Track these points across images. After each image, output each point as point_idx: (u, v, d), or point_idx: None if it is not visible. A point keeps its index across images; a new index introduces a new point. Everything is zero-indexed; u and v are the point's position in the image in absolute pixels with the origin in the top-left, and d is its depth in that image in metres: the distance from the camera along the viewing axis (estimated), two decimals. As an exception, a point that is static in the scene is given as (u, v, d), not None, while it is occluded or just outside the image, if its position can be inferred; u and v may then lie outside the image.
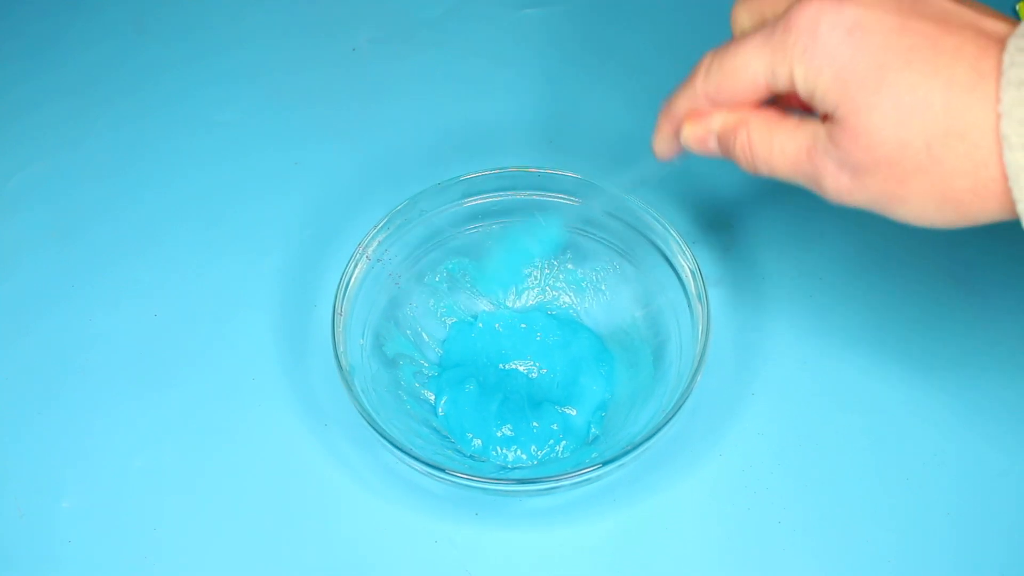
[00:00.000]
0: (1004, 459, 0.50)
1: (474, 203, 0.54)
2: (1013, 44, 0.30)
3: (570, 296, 0.56)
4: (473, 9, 0.72)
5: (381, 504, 0.50)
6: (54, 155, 0.65)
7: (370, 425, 0.45)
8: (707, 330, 0.47)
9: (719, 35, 0.69)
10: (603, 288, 0.55)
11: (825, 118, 0.34)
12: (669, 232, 0.51)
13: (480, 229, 0.55)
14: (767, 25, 0.34)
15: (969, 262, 0.56)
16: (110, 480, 0.51)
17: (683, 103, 0.38)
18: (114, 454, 0.52)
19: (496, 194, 0.54)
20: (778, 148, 0.35)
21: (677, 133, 0.39)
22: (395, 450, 0.45)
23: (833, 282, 0.56)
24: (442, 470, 0.44)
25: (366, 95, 0.68)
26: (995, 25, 0.32)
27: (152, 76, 0.69)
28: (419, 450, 0.46)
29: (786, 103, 0.38)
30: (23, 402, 0.54)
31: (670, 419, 0.45)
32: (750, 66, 0.35)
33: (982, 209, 0.32)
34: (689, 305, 0.49)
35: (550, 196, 0.54)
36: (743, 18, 0.38)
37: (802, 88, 0.33)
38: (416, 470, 0.47)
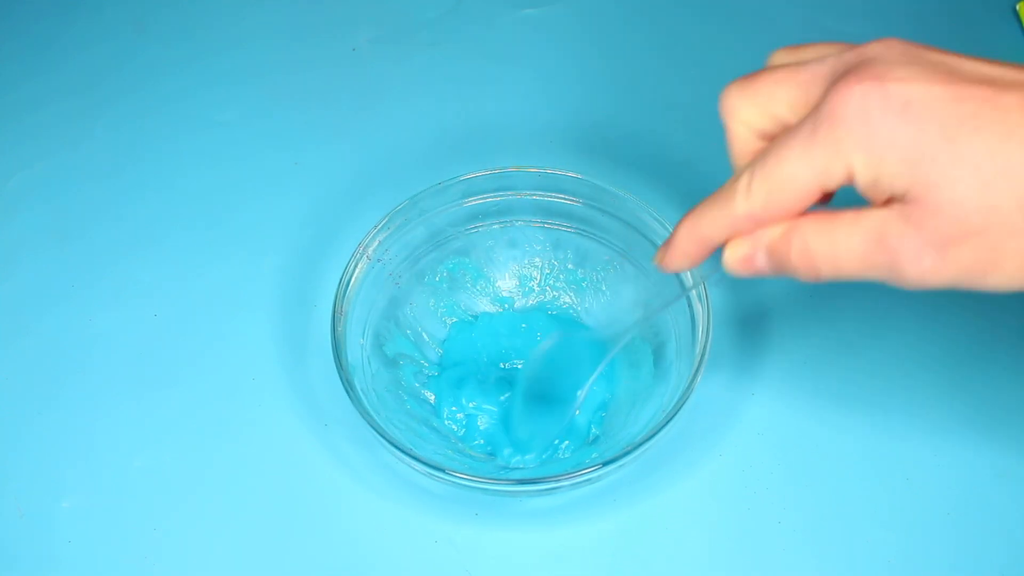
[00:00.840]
0: (1004, 459, 0.50)
1: (474, 203, 0.54)
2: None
3: (570, 296, 0.56)
4: (473, 9, 0.72)
5: (381, 504, 0.50)
6: (54, 155, 0.65)
7: (370, 425, 0.45)
8: (707, 330, 0.47)
9: (719, 34, 0.70)
10: (603, 288, 0.55)
11: (888, 202, 0.31)
12: (669, 232, 0.50)
13: (480, 229, 0.55)
14: (805, 123, 0.32)
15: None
16: (110, 480, 0.51)
17: (719, 226, 0.35)
18: (114, 454, 0.52)
19: (496, 194, 0.54)
20: (843, 247, 0.32)
21: (704, 255, 0.36)
22: (395, 450, 0.45)
23: (833, 282, 0.56)
24: (442, 470, 0.44)
25: (366, 95, 0.68)
26: None
27: (152, 76, 0.69)
28: (419, 450, 0.46)
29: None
30: (23, 402, 0.54)
31: (670, 419, 0.45)
32: (799, 174, 0.32)
33: None
34: (689, 305, 0.49)
35: (550, 196, 0.54)
36: (745, 112, 0.35)
37: (863, 179, 0.31)
38: (416, 470, 0.47)
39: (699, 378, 0.46)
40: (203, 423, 0.53)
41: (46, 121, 0.67)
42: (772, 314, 0.55)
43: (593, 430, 0.51)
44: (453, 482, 0.45)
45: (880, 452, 0.50)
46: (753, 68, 0.36)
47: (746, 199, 0.33)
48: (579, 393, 0.48)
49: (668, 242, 0.37)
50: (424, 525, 0.49)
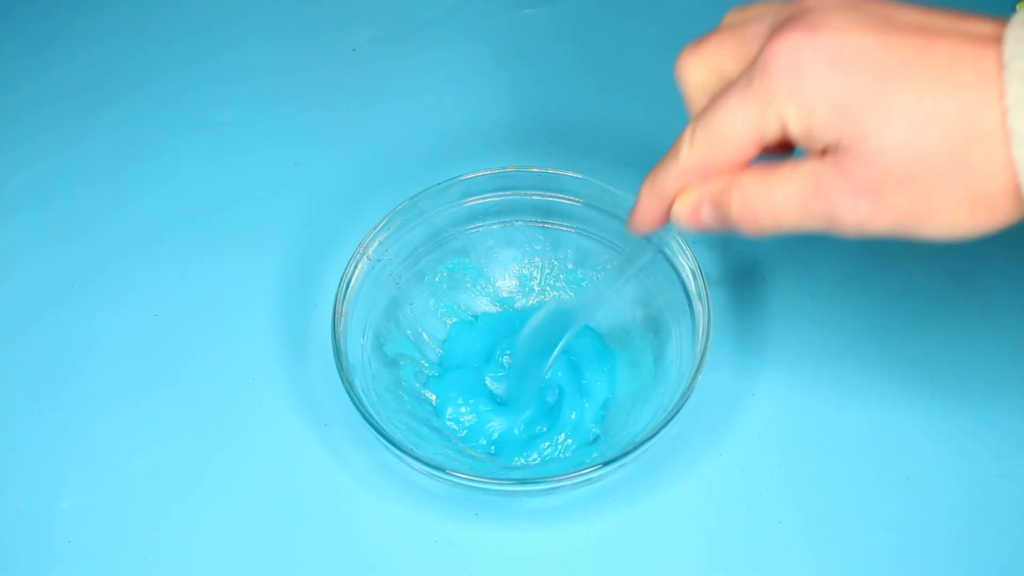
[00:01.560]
0: (1004, 459, 0.50)
1: (475, 203, 0.54)
2: (1012, 37, 0.30)
3: (571, 295, 0.56)
4: (473, 9, 0.72)
5: (381, 504, 0.50)
6: (54, 155, 0.65)
7: (370, 425, 0.45)
8: (708, 330, 0.47)
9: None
10: (589, 284, 0.55)
11: (823, 153, 0.32)
12: (670, 231, 0.50)
13: (480, 229, 0.55)
14: (742, 77, 0.32)
15: (969, 262, 0.56)
16: (110, 480, 0.51)
17: (669, 179, 0.36)
18: (114, 454, 0.52)
19: (497, 194, 0.54)
20: (780, 198, 0.33)
21: (663, 211, 0.37)
22: (395, 450, 0.45)
23: (833, 282, 0.56)
24: (443, 470, 0.44)
25: (366, 95, 0.68)
26: (980, 27, 0.31)
27: (152, 76, 0.69)
28: (420, 450, 0.46)
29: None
30: (23, 402, 0.54)
31: (671, 419, 0.45)
32: (736, 124, 0.33)
33: (1014, 206, 0.30)
34: (690, 305, 0.49)
35: (551, 196, 0.54)
36: (694, 74, 0.36)
37: (796, 129, 0.31)
38: (416, 470, 0.47)
39: (700, 377, 0.46)
40: (203, 423, 0.53)
41: (46, 121, 0.67)
42: (772, 314, 0.55)
43: (594, 429, 0.51)
44: (453, 482, 0.45)
45: (880, 452, 0.50)
46: None
47: (690, 150, 0.34)
48: (552, 352, 0.49)
49: (634, 205, 0.38)
50: (424, 525, 0.49)
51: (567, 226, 0.55)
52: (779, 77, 0.31)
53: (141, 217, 0.61)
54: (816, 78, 0.30)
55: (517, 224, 0.55)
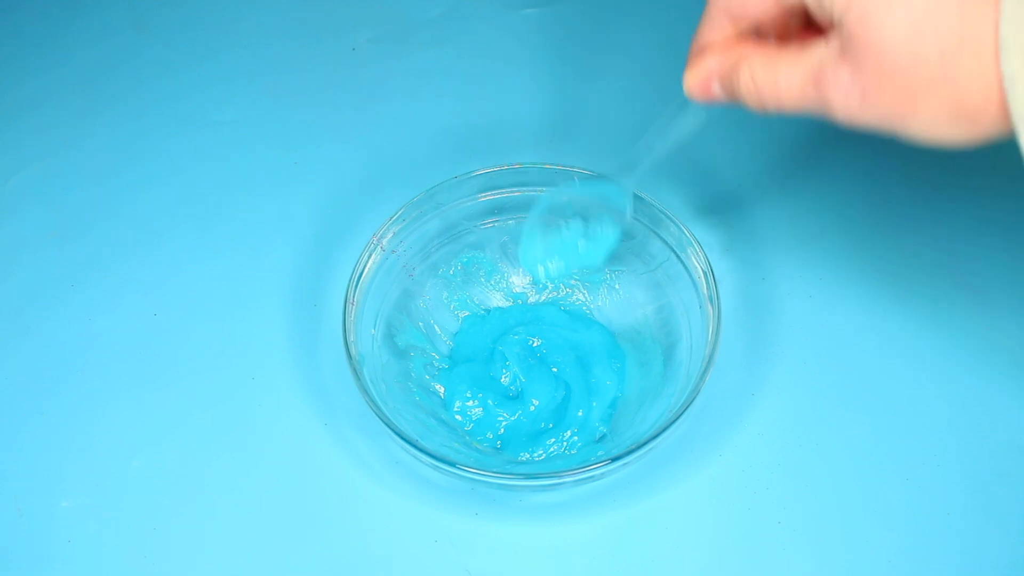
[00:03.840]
0: (1004, 459, 0.50)
1: (490, 198, 0.54)
2: None
3: (584, 293, 0.56)
4: (473, 9, 0.72)
5: (385, 496, 0.50)
6: (54, 155, 0.65)
7: (376, 415, 0.45)
8: (717, 331, 0.47)
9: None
10: (616, 287, 0.55)
11: (828, 31, 0.33)
12: (684, 232, 0.51)
13: (496, 224, 0.55)
14: None
15: (969, 262, 0.56)
16: (110, 480, 0.51)
17: (705, 30, 0.38)
18: (114, 454, 0.52)
19: (512, 189, 0.54)
20: (783, 79, 0.35)
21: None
22: (401, 440, 0.45)
23: (833, 282, 0.56)
24: (447, 462, 0.45)
25: (366, 95, 0.68)
26: None
27: (152, 76, 0.69)
28: (426, 442, 0.46)
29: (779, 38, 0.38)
30: (23, 402, 0.54)
31: (677, 419, 0.45)
32: None
33: (994, 122, 0.31)
34: (700, 306, 0.50)
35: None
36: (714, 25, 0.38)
37: None
38: (422, 462, 0.47)
39: (706, 379, 0.46)
40: (203, 422, 0.53)
41: (46, 121, 0.67)
42: (772, 315, 0.55)
43: (601, 428, 0.51)
44: (458, 475, 0.45)
45: (880, 452, 0.50)
46: None
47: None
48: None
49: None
50: (425, 521, 0.49)
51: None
52: None
53: (141, 217, 0.61)
54: None
55: None
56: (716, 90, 0.38)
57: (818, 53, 0.34)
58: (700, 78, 0.38)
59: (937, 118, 0.32)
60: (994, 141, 0.32)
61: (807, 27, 0.37)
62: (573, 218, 0.51)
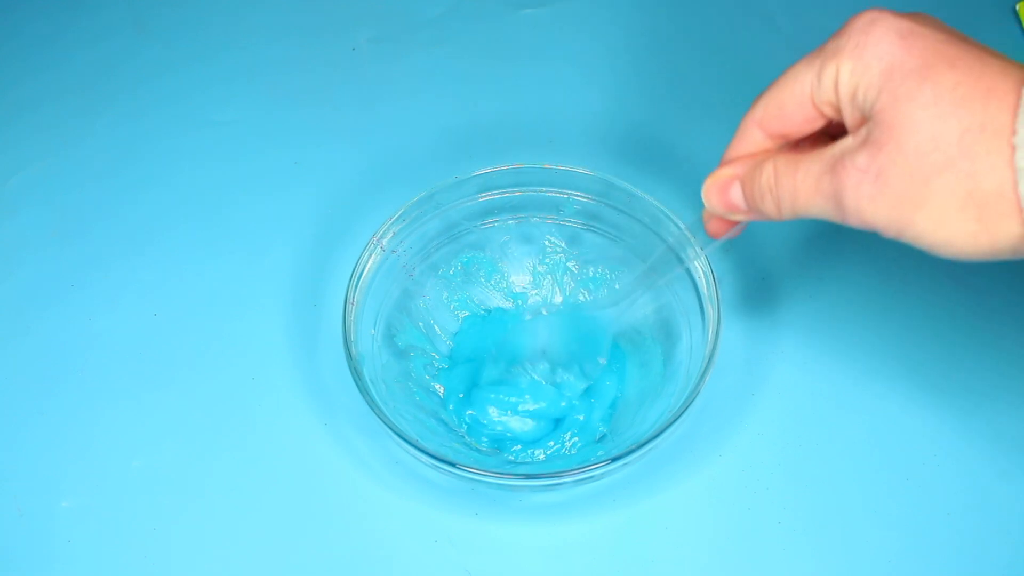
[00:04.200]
0: (1004, 459, 0.50)
1: (490, 198, 0.54)
2: None
3: (583, 293, 0.56)
4: (473, 9, 0.72)
5: (385, 496, 0.50)
6: (54, 155, 0.65)
7: (376, 415, 0.45)
8: (717, 332, 0.47)
9: (719, 34, 0.70)
10: (616, 286, 0.55)
11: (859, 126, 0.34)
12: (683, 233, 0.51)
13: (496, 224, 0.55)
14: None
15: (969, 262, 0.56)
16: (110, 480, 0.51)
17: (737, 145, 0.38)
18: (114, 454, 0.52)
19: (512, 189, 0.54)
20: (803, 170, 0.35)
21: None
22: (401, 440, 0.45)
23: (833, 283, 0.56)
24: (447, 462, 0.45)
25: (366, 95, 0.68)
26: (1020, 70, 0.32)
27: (152, 76, 0.69)
28: (426, 442, 0.46)
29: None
30: (23, 402, 0.54)
31: (677, 419, 0.45)
32: (798, 76, 0.35)
33: (1001, 224, 0.31)
34: (701, 306, 0.50)
35: (565, 193, 0.54)
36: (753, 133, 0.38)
37: (845, 87, 0.33)
38: (422, 462, 0.47)
39: (706, 379, 0.46)
40: (203, 421, 0.53)
41: (46, 121, 0.67)
42: (771, 316, 0.55)
43: (601, 428, 0.51)
44: (458, 475, 0.45)
45: (880, 452, 0.50)
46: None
47: (752, 107, 0.37)
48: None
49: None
50: (424, 521, 0.49)
51: (581, 223, 0.55)
52: (850, 35, 0.33)
53: (141, 217, 0.61)
54: (882, 43, 0.33)
55: (532, 220, 0.55)
56: (736, 197, 0.38)
57: (842, 144, 0.34)
58: (722, 181, 0.38)
59: (947, 206, 0.32)
60: (998, 256, 0.33)
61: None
62: (539, 361, 0.52)
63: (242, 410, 0.53)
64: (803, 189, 0.35)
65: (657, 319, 0.54)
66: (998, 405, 0.51)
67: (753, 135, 0.38)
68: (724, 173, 0.38)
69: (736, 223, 0.41)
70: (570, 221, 0.55)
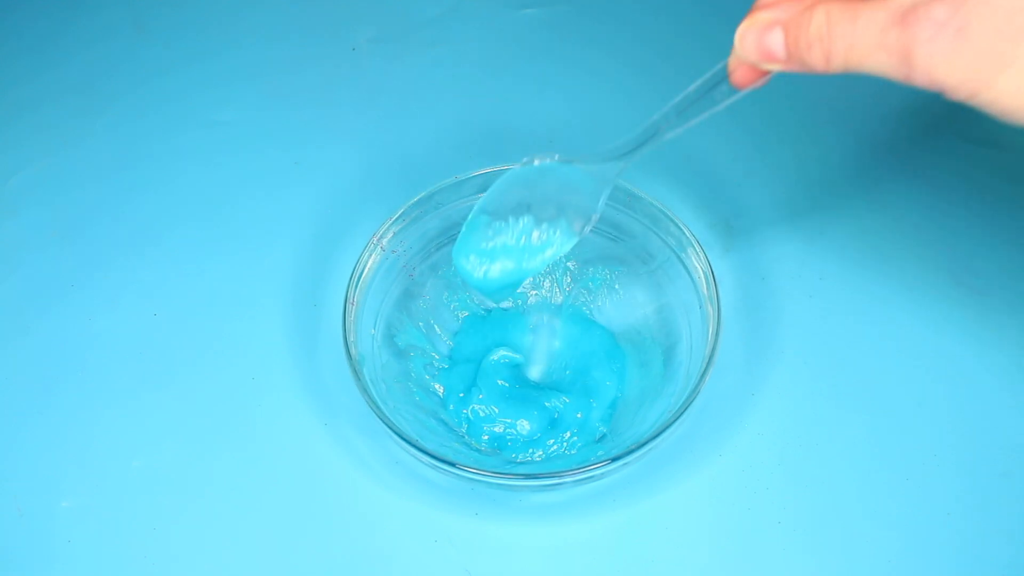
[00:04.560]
0: (1004, 459, 0.50)
1: None
2: None
3: (583, 294, 0.56)
4: (473, 9, 0.72)
5: (384, 496, 0.50)
6: (54, 155, 0.65)
7: (376, 415, 0.45)
8: (717, 332, 0.47)
9: (719, 35, 0.70)
10: (616, 287, 0.55)
11: None
12: (684, 233, 0.51)
13: None
14: None
15: (969, 262, 0.56)
16: (110, 480, 0.51)
17: None
18: (114, 454, 0.52)
19: None
20: (863, 20, 0.31)
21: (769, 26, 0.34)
22: (401, 440, 0.45)
23: (833, 282, 0.56)
24: (447, 462, 0.45)
25: (366, 95, 0.68)
26: None
27: (152, 76, 0.69)
28: (425, 442, 0.46)
29: None
30: (23, 402, 0.54)
31: (677, 419, 0.45)
32: None
33: None
34: (700, 306, 0.50)
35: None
36: None
37: None
38: (422, 462, 0.47)
39: (706, 379, 0.46)
40: (203, 421, 0.53)
41: (46, 121, 0.67)
42: (772, 315, 0.55)
43: (601, 428, 0.51)
44: (458, 475, 0.45)
45: (880, 452, 0.50)
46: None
47: None
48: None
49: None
50: (424, 522, 0.49)
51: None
52: None
53: (141, 216, 0.61)
54: None
55: None
56: (775, 44, 0.33)
57: None
58: (761, 28, 0.34)
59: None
60: None
61: None
62: (525, 214, 0.46)
63: (242, 410, 0.53)
64: (862, 40, 0.31)
65: (657, 319, 0.54)
66: (998, 405, 0.51)
67: None
68: (764, 17, 0.34)
69: (766, 73, 0.36)
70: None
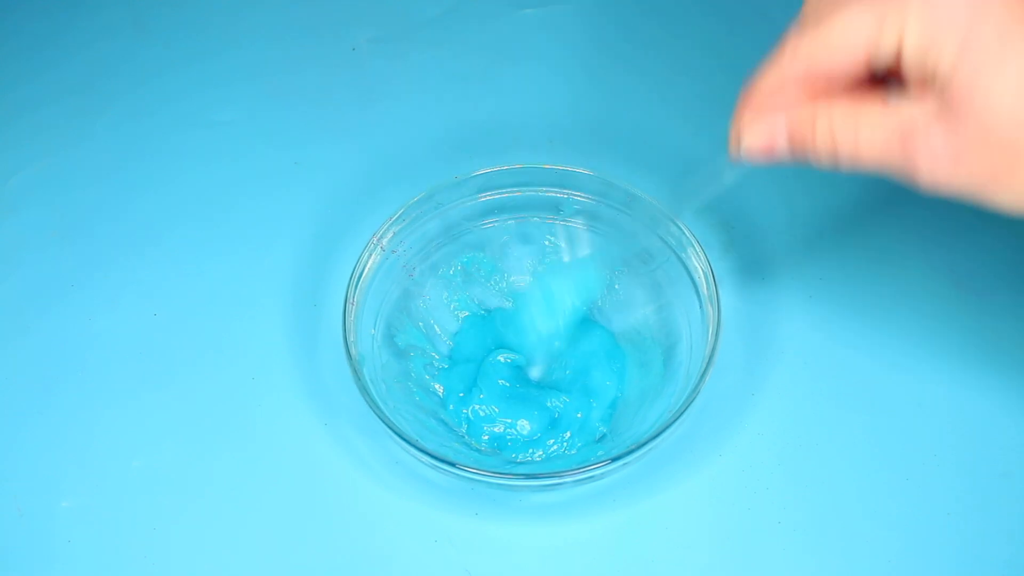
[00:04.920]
0: (1004, 459, 0.50)
1: (490, 198, 0.54)
2: None
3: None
4: (473, 8, 0.72)
5: (385, 496, 0.50)
6: (54, 155, 0.65)
7: (376, 415, 0.46)
8: (717, 332, 0.47)
9: (719, 35, 0.70)
10: (616, 286, 0.56)
11: (920, 90, 0.31)
12: (684, 233, 0.51)
13: (496, 224, 0.55)
14: None
15: (969, 262, 0.56)
16: (110, 480, 0.51)
17: (770, 80, 0.34)
18: (114, 454, 0.52)
19: (512, 189, 0.54)
20: (865, 133, 0.32)
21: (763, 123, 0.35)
22: (401, 440, 0.45)
23: (833, 282, 0.56)
24: (447, 462, 0.45)
25: (366, 95, 0.68)
26: None
27: (152, 76, 0.69)
28: (426, 442, 0.46)
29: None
30: (23, 402, 0.54)
31: (677, 419, 0.45)
32: (853, 27, 0.31)
33: None
34: (700, 307, 0.50)
35: (565, 193, 0.54)
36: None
37: (912, 48, 0.30)
38: (422, 462, 0.47)
39: (706, 379, 0.46)
40: (203, 421, 0.53)
41: (46, 121, 0.67)
42: (772, 315, 0.55)
43: (601, 428, 0.51)
44: (458, 475, 0.45)
45: (880, 452, 0.50)
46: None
47: (793, 57, 0.33)
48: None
49: (732, 123, 0.37)
50: (424, 522, 0.49)
51: (581, 223, 0.55)
52: None
53: (141, 217, 0.61)
54: (952, 4, 0.29)
55: (532, 220, 0.55)
56: (780, 143, 0.35)
57: (909, 111, 0.31)
58: (765, 135, 0.35)
59: None
60: None
61: (871, 82, 0.34)
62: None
63: (242, 410, 0.53)
64: (867, 151, 0.32)
65: (657, 319, 0.54)
66: (998, 405, 0.51)
67: (793, 70, 0.33)
68: (770, 125, 0.34)
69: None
70: (570, 221, 0.55)
